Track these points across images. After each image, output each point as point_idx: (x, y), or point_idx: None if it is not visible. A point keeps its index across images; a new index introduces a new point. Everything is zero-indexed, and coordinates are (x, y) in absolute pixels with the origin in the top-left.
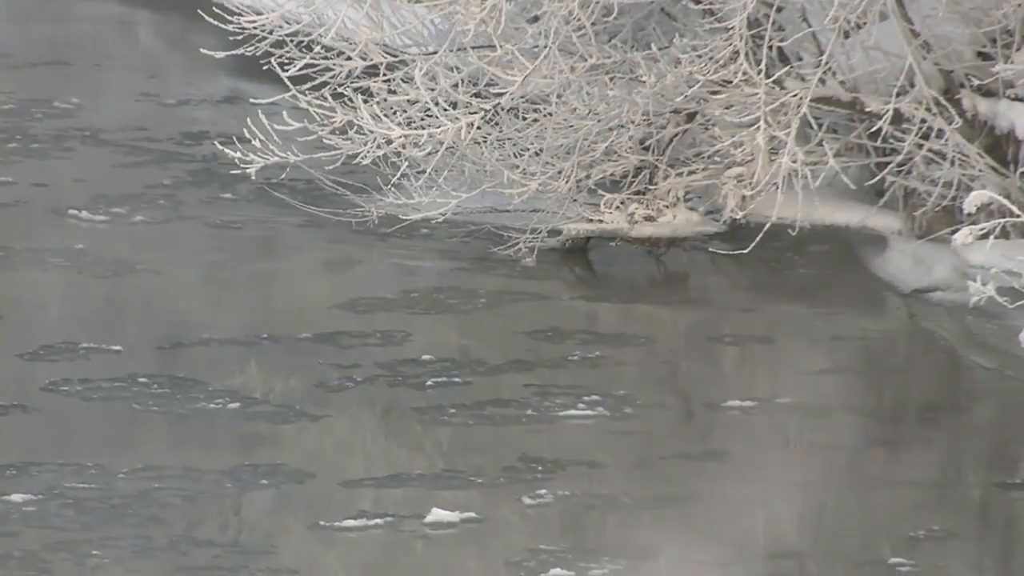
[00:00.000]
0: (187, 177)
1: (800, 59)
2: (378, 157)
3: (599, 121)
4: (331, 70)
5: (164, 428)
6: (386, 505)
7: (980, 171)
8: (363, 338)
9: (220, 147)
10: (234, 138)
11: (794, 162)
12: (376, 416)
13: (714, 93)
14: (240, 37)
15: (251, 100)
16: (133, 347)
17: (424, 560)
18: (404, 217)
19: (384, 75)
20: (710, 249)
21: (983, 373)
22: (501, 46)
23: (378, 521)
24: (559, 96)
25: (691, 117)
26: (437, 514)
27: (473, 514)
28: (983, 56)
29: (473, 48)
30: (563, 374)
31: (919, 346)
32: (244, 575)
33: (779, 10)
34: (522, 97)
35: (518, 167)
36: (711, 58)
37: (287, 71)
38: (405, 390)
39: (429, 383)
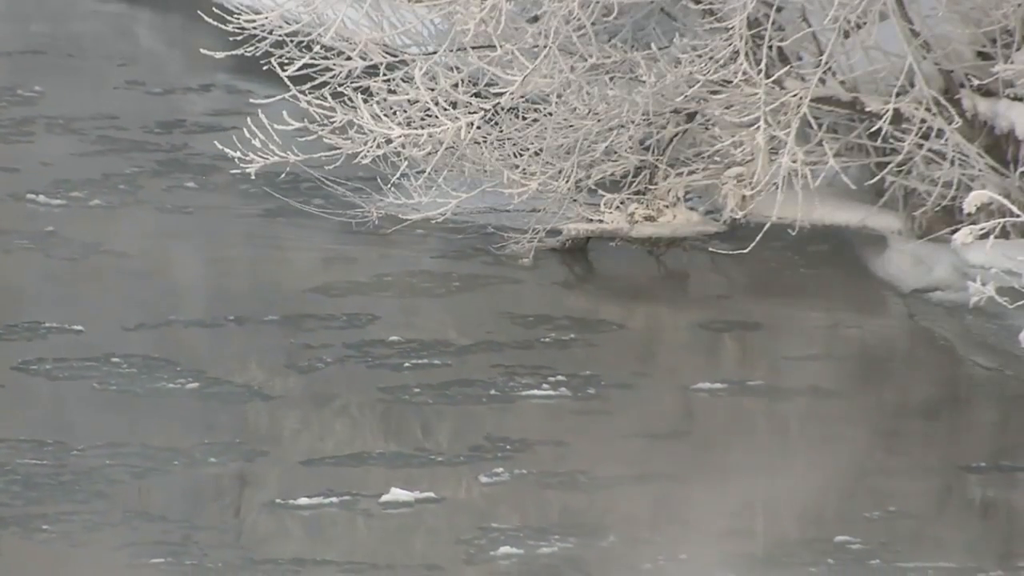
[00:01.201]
0: (155, 166)
1: (800, 59)
2: (378, 157)
3: (599, 121)
4: (331, 70)
5: (124, 407)
6: (345, 484)
7: (980, 171)
8: (330, 320)
9: (220, 146)
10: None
11: (794, 162)
12: (341, 396)
13: (714, 93)
14: (240, 37)
15: (251, 100)
16: (98, 328)
17: (375, 538)
18: (404, 217)
19: (384, 75)
20: (710, 249)
21: (983, 373)
22: (501, 46)
23: (334, 500)
24: (559, 96)
25: (691, 117)
26: (395, 493)
27: (431, 493)
28: (983, 56)
29: (473, 48)
30: (531, 355)
31: (919, 346)
32: (193, 550)
33: (779, 10)
34: (522, 97)
35: (518, 167)
36: (711, 58)
37: (287, 71)
38: (373, 370)
39: (397, 364)
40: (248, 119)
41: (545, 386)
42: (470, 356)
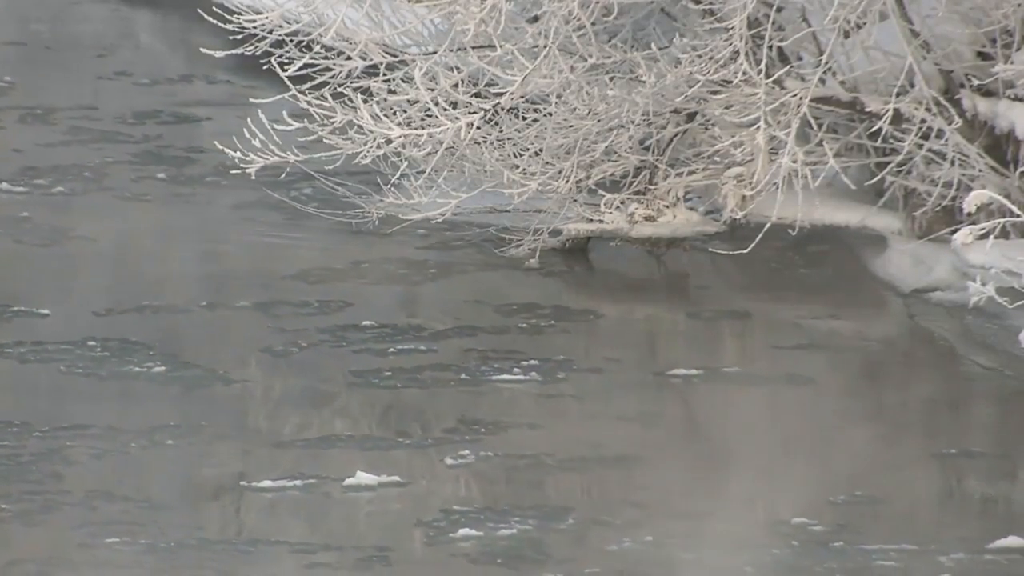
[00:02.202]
0: (127, 156)
1: (800, 59)
2: (378, 157)
3: (599, 121)
4: (331, 70)
5: (90, 390)
6: (312, 467)
7: (980, 171)
8: (304, 306)
9: (219, 146)
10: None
11: (794, 162)
12: (313, 380)
13: (714, 93)
14: (240, 37)
15: (251, 100)
16: (66, 313)
17: (333, 521)
18: (404, 217)
19: (384, 75)
20: (710, 249)
21: (982, 373)
22: (501, 46)
23: (297, 483)
24: (559, 96)
25: (691, 117)
26: (359, 477)
27: (396, 477)
28: (983, 56)
29: (473, 48)
30: (505, 340)
31: (919, 346)
32: (151, 530)
33: (779, 10)
34: (522, 97)
35: (518, 167)
36: (711, 58)
37: (287, 71)
38: (345, 354)
39: (371, 348)
40: (226, 110)
41: (516, 370)
42: (444, 341)
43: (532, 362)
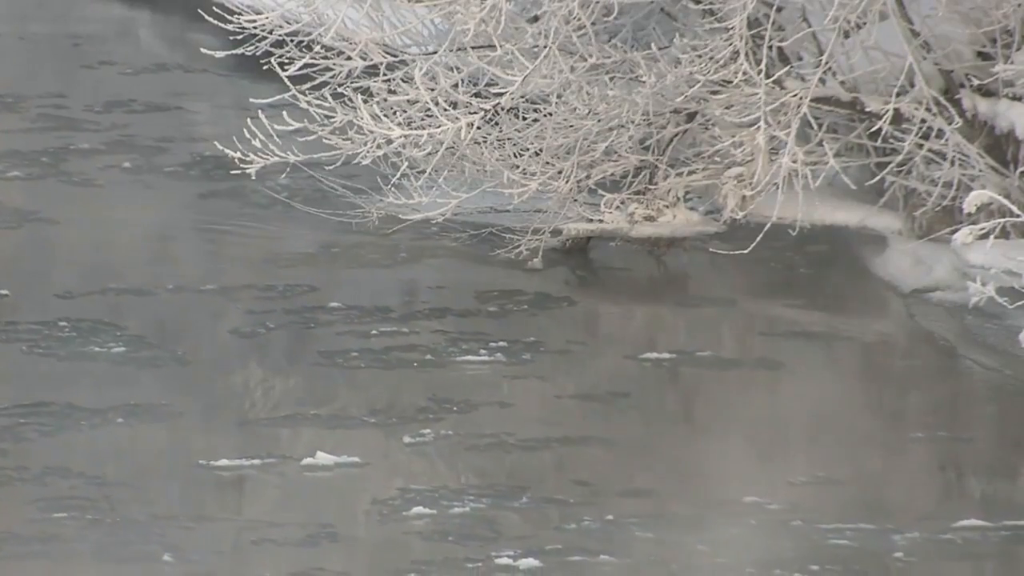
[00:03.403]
0: (95, 144)
1: (800, 59)
2: (378, 157)
3: (599, 121)
4: (331, 70)
5: (49, 370)
6: (273, 446)
7: (980, 171)
8: (270, 290)
9: (219, 146)
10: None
11: (794, 162)
12: (278, 360)
13: (714, 93)
14: (240, 37)
15: (251, 99)
16: (28, 293)
17: (284, 499)
18: (404, 217)
19: (384, 75)
20: (710, 249)
21: (982, 372)
22: (501, 46)
23: (255, 462)
24: (559, 96)
25: (691, 117)
26: (319, 457)
27: (357, 455)
28: (983, 56)
29: (473, 48)
30: (473, 322)
31: (919, 346)
32: (101, 506)
33: (779, 10)
34: (522, 97)
35: (518, 167)
36: (711, 58)
37: (287, 71)
38: (313, 335)
39: (338, 330)
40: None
41: (483, 352)
42: (412, 323)
43: (501, 344)
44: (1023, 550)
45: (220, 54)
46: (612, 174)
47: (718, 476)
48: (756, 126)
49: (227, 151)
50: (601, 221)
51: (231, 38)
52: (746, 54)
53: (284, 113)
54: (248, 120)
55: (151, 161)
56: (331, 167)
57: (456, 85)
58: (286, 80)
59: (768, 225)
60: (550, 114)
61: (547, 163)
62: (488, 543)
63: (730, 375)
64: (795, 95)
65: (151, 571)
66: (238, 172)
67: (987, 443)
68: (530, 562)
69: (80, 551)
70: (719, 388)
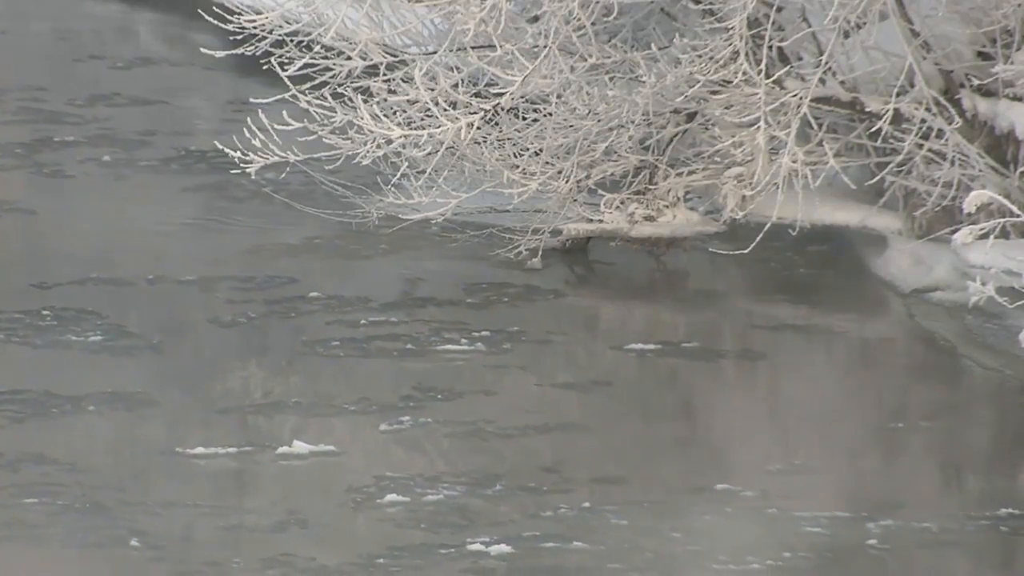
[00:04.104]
0: (73, 137)
1: (800, 59)
2: (378, 157)
3: (599, 121)
4: (331, 70)
5: (24, 358)
6: (253, 434)
7: (980, 171)
8: (249, 281)
9: (219, 146)
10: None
11: (794, 162)
12: (259, 348)
13: (714, 93)
14: (240, 37)
15: (251, 99)
16: (5, 282)
17: (255, 486)
18: (404, 217)
19: (384, 75)
20: (710, 249)
21: (982, 372)
22: (501, 46)
23: (231, 450)
24: (559, 96)
25: (691, 117)
26: (296, 445)
27: (334, 443)
28: (983, 56)
29: (473, 48)
30: (454, 312)
31: (919, 346)
32: (74, 491)
33: (779, 10)
34: (522, 97)
35: (518, 167)
36: (711, 58)
37: (287, 71)
38: (295, 325)
39: (320, 319)
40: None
41: (464, 341)
42: (393, 312)
43: (484, 333)
44: (998, 539)
45: (220, 54)
46: (612, 174)
47: (695, 464)
48: (756, 126)
49: (209, 146)
50: (601, 221)
51: (231, 38)
52: (746, 54)
53: (284, 112)
54: (232, 114)
55: (132, 155)
56: (331, 167)
57: (456, 85)
58: (286, 80)
59: (768, 225)
60: (550, 114)
61: (547, 163)
62: (460, 530)
63: (714, 366)
64: (795, 95)
65: (117, 556)
66: (221, 166)
67: (972, 436)
68: (502, 548)
69: (48, 536)
70: (703, 378)
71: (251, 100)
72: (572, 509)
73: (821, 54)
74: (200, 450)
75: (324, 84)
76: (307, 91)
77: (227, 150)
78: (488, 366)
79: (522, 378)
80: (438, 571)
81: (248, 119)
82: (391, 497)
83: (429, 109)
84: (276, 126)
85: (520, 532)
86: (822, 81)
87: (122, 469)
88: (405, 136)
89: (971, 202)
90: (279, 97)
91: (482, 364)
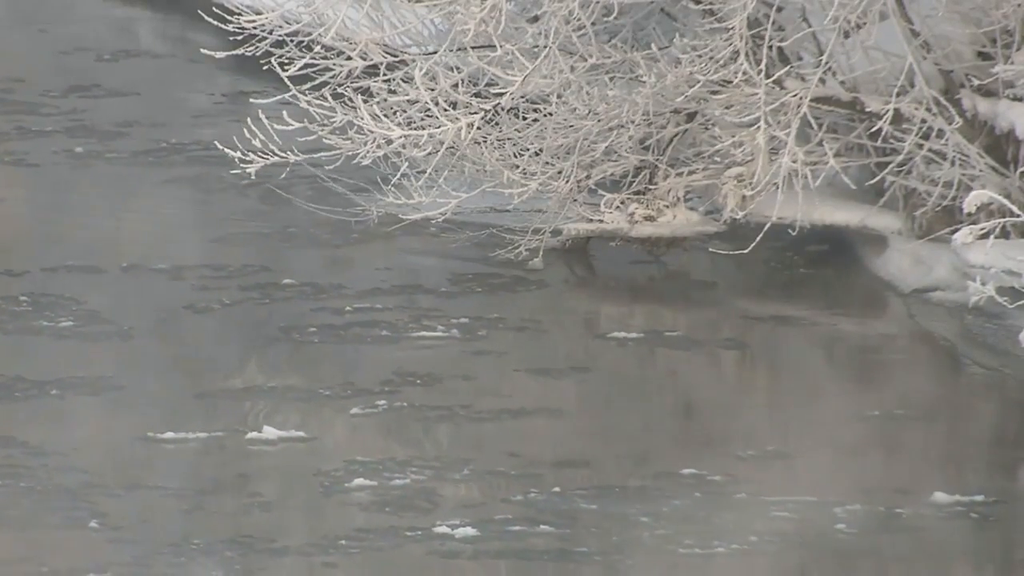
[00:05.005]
0: (47, 128)
1: (800, 59)
2: (378, 157)
3: (599, 121)
4: (331, 70)
5: None
6: (227, 419)
7: (980, 171)
8: (222, 269)
9: (220, 146)
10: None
11: (794, 162)
12: (234, 335)
13: (714, 93)
14: (240, 37)
15: (251, 100)
16: None
17: (229, 470)
18: (404, 217)
19: (384, 75)
20: (710, 249)
21: (982, 372)
22: (501, 46)
23: (202, 435)
24: (559, 96)
25: (691, 117)
26: (266, 430)
27: (305, 428)
28: (983, 56)
29: (473, 48)
30: (432, 300)
31: (919, 346)
32: (39, 473)
33: (779, 10)
34: (522, 97)
35: (518, 167)
36: (711, 58)
37: (287, 71)
38: (269, 311)
39: (295, 306)
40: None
41: (440, 328)
42: (370, 299)
43: (463, 320)
44: (968, 525)
45: (220, 54)
46: (612, 174)
47: (668, 449)
48: (756, 126)
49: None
50: (601, 221)
51: (231, 38)
52: (746, 54)
53: (285, 113)
54: (214, 106)
55: (107, 146)
56: (331, 167)
57: (456, 85)
58: (286, 80)
59: (768, 225)
60: (550, 114)
61: (547, 163)
62: (425, 514)
63: (696, 354)
64: (795, 95)
65: (75, 537)
66: (198, 159)
67: (955, 428)
68: (467, 531)
69: (8, 517)
70: (683, 366)
71: (240, 92)
72: (542, 493)
73: (821, 54)
74: (170, 435)
75: (324, 84)
76: (306, 91)
77: (227, 150)
78: (467, 352)
79: (500, 364)
80: (400, 553)
81: (230, 107)
82: (359, 481)
83: (429, 109)
84: (276, 126)
85: (488, 516)
86: (822, 81)
87: (89, 453)
88: (405, 136)
89: (971, 202)
90: (279, 97)
91: (460, 350)
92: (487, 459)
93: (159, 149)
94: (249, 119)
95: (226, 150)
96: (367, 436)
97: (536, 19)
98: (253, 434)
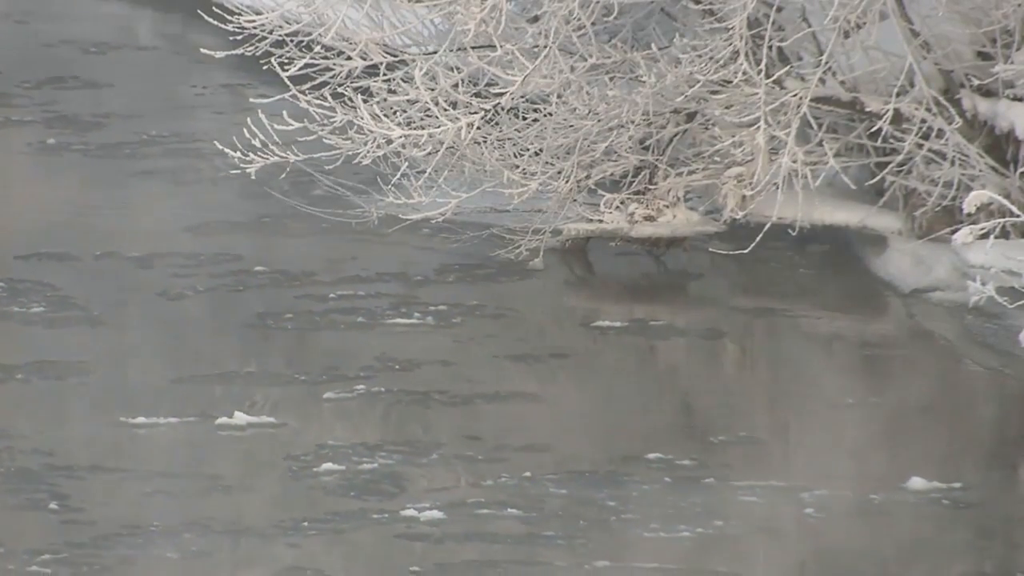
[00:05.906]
0: (21, 119)
1: (800, 59)
2: (378, 157)
3: (599, 121)
4: (331, 70)
5: None
6: (198, 405)
7: (980, 171)
8: (195, 256)
9: (219, 146)
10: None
11: (794, 162)
12: (207, 321)
13: (714, 93)
14: (240, 37)
15: (251, 100)
16: None
17: (195, 454)
18: (404, 217)
19: (384, 75)
20: (710, 249)
21: (982, 372)
22: (501, 46)
23: (172, 420)
24: (559, 96)
25: (691, 117)
26: (237, 416)
27: (276, 413)
28: (983, 56)
29: (473, 48)
30: (410, 287)
31: (919, 346)
32: (4, 455)
33: (779, 10)
34: (522, 97)
35: (518, 167)
36: (711, 58)
37: (287, 71)
38: (242, 298)
39: (269, 293)
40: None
41: (416, 315)
42: (345, 287)
43: (442, 308)
44: (938, 511)
45: (220, 54)
46: (612, 174)
47: (640, 434)
48: (756, 126)
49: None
50: (601, 221)
51: (231, 38)
52: (746, 54)
53: (285, 113)
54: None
55: (83, 137)
56: (331, 167)
57: (456, 85)
58: (286, 80)
59: (768, 225)
60: (550, 114)
61: (547, 163)
62: (389, 498)
63: (678, 343)
64: (795, 95)
65: (33, 519)
66: (175, 152)
67: (944, 421)
68: (434, 515)
69: None
70: (663, 354)
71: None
72: (512, 478)
73: (821, 54)
74: (141, 420)
75: (324, 84)
76: (309, 91)
77: (227, 151)
78: (448, 338)
79: (480, 350)
80: (364, 535)
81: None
82: (327, 466)
83: (429, 109)
84: (276, 126)
85: (457, 500)
86: (822, 81)
87: (53, 436)
88: (405, 136)
89: (971, 202)
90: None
91: (439, 336)
92: (458, 443)
93: (141, 142)
94: (249, 120)
95: (226, 150)
96: (338, 421)
97: (536, 19)
98: (223, 419)
